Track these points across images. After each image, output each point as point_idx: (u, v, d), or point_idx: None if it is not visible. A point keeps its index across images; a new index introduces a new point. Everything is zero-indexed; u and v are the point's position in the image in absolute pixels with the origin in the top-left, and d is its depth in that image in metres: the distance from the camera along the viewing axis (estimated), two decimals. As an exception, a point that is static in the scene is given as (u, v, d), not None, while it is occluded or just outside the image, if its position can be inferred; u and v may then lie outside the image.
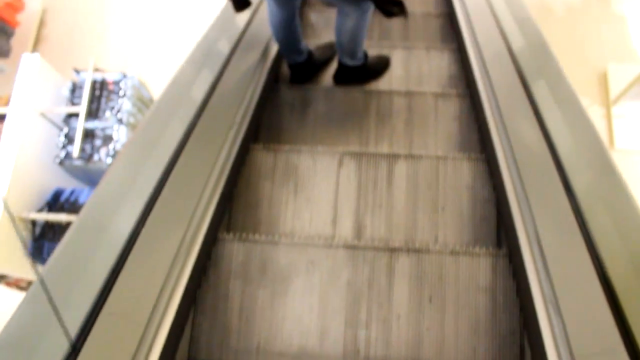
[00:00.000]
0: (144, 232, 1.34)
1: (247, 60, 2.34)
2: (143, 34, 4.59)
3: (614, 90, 3.89)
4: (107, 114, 3.33)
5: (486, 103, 2.17)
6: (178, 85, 1.95)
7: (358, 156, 2.05)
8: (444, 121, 2.35)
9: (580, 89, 3.82)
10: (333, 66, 2.63)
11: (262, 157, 2.09)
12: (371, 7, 2.03)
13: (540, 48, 2.10)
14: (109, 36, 4.63)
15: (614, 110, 3.84)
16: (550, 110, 1.81)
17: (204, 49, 2.18)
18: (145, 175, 1.56)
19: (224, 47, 2.27)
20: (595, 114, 3.87)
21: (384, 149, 2.25)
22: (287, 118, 2.39)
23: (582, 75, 4.08)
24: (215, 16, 2.36)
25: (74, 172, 3.44)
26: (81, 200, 3.21)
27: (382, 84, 2.63)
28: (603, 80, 4.03)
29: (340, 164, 2.04)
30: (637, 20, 4.40)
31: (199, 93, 1.96)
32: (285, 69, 2.67)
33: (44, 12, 4.76)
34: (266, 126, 2.35)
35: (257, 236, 1.81)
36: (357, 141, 2.29)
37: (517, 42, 2.22)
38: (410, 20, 3.17)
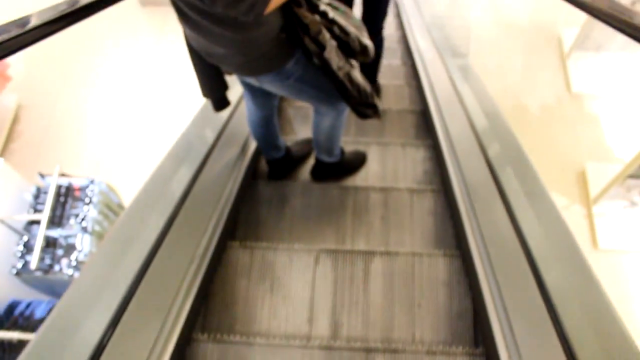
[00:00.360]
0: (116, 334, 1.36)
1: (226, 157, 2.43)
2: (118, 138, 4.72)
3: (594, 190, 4.00)
4: (72, 221, 3.31)
5: (460, 200, 2.27)
6: (156, 183, 2.02)
7: (334, 253, 2.11)
8: (419, 217, 2.43)
9: (560, 189, 3.96)
10: (311, 161, 2.72)
11: (239, 255, 2.13)
12: (347, 108, 2.14)
13: (512, 146, 2.23)
14: (83, 137, 4.75)
15: (595, 209, 3.92)
16: (522, 208, 1.90)
17: (183, 146, 2.27)
18: (118, 275, 1.60)
19: (203, 145, 2.36)
20: (576, 213, 3.97)
21: (361, 245, 2.31)
22: (265, 215, 2.45)
23: (561, 174, 4.22)
24: (195, 113, 2.46)
25: (32, 282, 3.33)
26: (38, 314, 3.06)
27: (359, 179, 2.73)
28: (582, 180, 4.16)
29: (316, 261, 2.09)
30: (611, 119, 4.63)
31: (177, 191, 2.03)
32: (263, 165, 2.77)
33: (19, 108, 4.91)
34: (243, 223, 2.41)
35: (232, 337, 1.83)
36: (333, 237, 2.35)
37: (488, 140, 2.36)
38: (386, 116, 3.33)
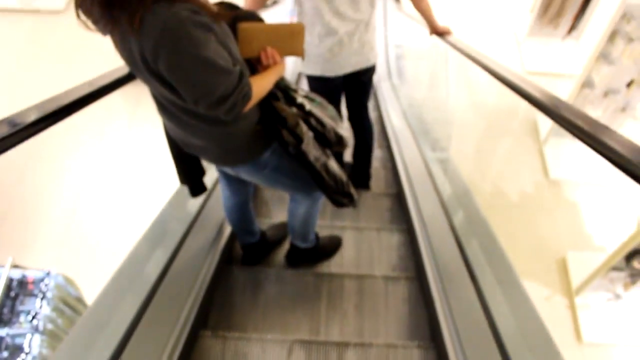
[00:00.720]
0: None
1: (201, 241, 2.48)
2: (84, 223, 4.61)
3: (576, 279, 3.97)
4: (22, 319, 3.09)
5: (434, 289, 2.34)
6: (129, 269, 2.05)
7: (307, 345, 2.14)
8: (394, 305, 2.48)
9: (541, 278, 3.93)
10: (286, 244, 2.77)
11: (211, 345, 2.15)
12: (322, 196, 2.20)
13: (486, 235, 2.32)
14: (45, 221, 4.63)
15: (578, 300, 3.88)
16: (495, 299, 1.97)
17: (158, 230, 2.31)
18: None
19: (178, 229, 2.41)
20: (558, 304, 3.93)
21: (334, 335, 2.34)
22: (238, 301, 2.48)
23: (541, 263, 4.20)
24: (170, 197, 2.51)
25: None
26: None
27: (334, 265, 2.79)
28: (563, 268, 4.14)
29: (289, 353, 2.11)
30: (589, 205, 4.71)
31: (150, 277, 2.08)
32: (238, 249, 2.79)
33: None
34: (217, 310, 2.43)
35: None
36: (307, 326, 2.38)
37: (462, 228, 2.45)
38: (361, 199, 3.40)
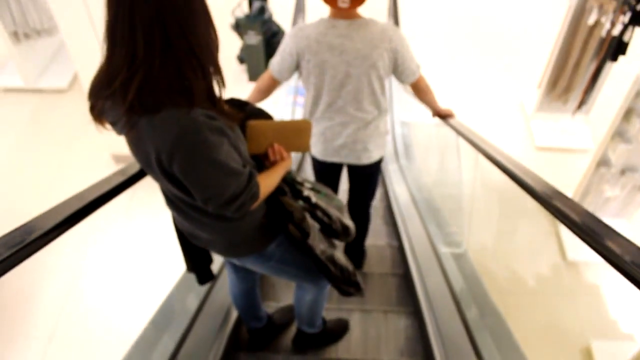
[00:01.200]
0: None
1: (208, 327, 2.57)
2: (74, 322, 4.49)
3: None
4: None
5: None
6: (136, 356, 2.11)
7: None
8: (402, 393, 2.51)
9: None
10: (293, 328, 2.84)
11: None
12: (329, 284, 2.28)
13: (495, 319, 2.37)
14: (31, 320, 4.52)
15: None
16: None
17: (164, 317, 2.40)
18: None
19: (185, 315, 2.49)
20: None
21: None
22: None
23: (563, 353, 4.01)
24: (176, 282, 2.60)
25: None
26: None
27: (341, 349, 2.86)
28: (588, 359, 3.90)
29: None
30: (612, 289, 4.47)
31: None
32: (244, 333, 2.86)
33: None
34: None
35: None
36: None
37: (470, 312, 2.51)
38: (367, 280, 3.48)
